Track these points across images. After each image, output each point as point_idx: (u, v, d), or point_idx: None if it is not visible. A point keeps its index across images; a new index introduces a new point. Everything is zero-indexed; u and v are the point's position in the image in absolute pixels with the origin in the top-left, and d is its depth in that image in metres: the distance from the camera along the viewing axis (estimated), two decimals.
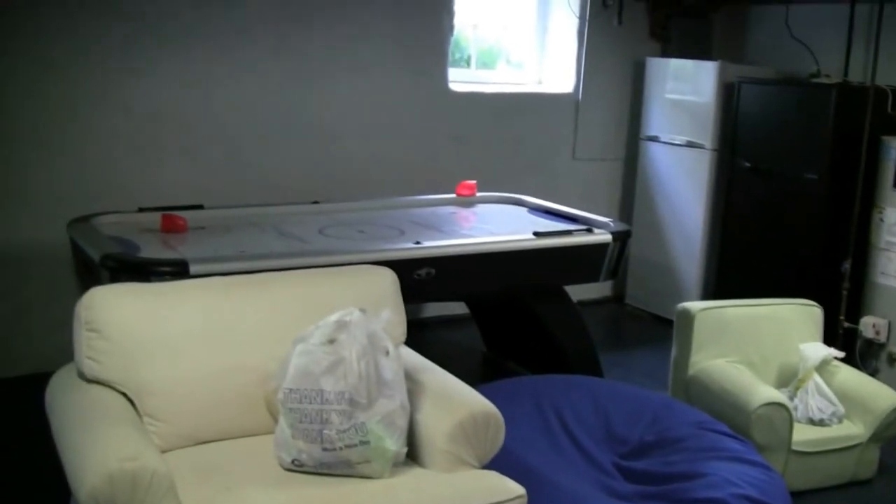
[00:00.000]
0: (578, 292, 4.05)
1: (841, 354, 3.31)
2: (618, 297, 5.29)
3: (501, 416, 2.09)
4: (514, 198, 4.27)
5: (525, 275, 3.39)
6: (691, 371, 3.22)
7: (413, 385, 2.13)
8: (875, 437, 3.12)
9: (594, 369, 3.56)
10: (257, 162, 4.17)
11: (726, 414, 2.89)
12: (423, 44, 4.55)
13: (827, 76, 4.55)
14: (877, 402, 3.12)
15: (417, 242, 3.16)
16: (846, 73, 4.64)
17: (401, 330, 2.36)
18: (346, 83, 4.36)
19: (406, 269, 2.81)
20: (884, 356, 4.12)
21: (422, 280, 3.02)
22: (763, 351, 3.28)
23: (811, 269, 4.37)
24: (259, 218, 3.58)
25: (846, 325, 4.23)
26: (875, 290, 4.19)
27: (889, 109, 4.20)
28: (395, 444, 1.99)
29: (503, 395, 2.46)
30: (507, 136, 4.87)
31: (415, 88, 4.55)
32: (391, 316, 2.12)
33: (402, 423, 2.01)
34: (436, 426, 2.07)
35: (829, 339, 3.65)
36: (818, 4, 4.75)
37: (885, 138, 4.17)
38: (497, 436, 2.09)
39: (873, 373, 4.10)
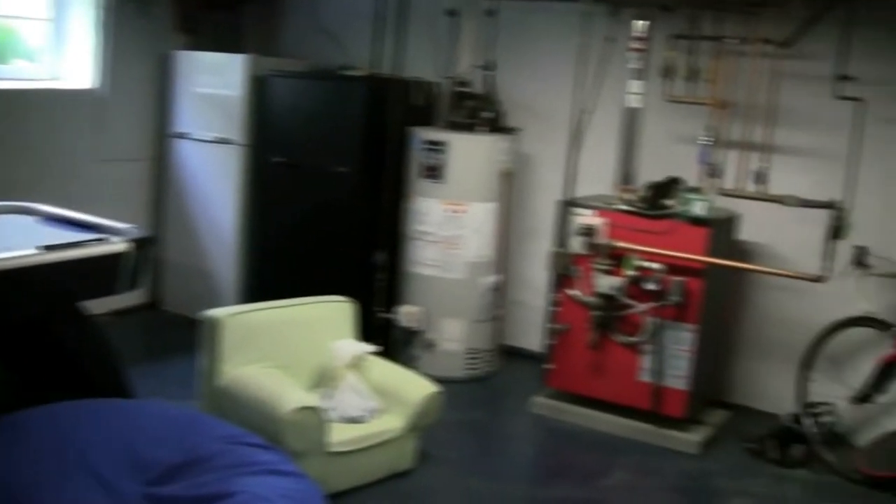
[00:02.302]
0: (111, 302, 3.97)
1: (373, 349, 3.62)
2: (155, 302, 5.30)
3: None
4: (21, 206, 3.96)
5: (30, 294, 3.19)
6: (222, 381, 3.30)
7: None
8: (412, 428, 3.45)
9: (120, 389, 3.48)
10: None
11: (259, 423, 3.00)
12: None
13: (356, 68, 4.93)
14: (411, 392, 3.46)
15: None
16: (375, 65, 5.08)
17: None
18: None
19: None
20: (421, 343, 4.62)
21: None
22: (296, 353, 3.48)
23: (349, 263, 4.71)
24: None
25: (384, 316, 4.66)
26: (409, 279, 4.68)
27: (416, 100, 4.70)
28: None
29: (11, 431, 2.31)
30: (17, 137, 4.54)
31: None
32: None
33: None
34: None
35: (369, 332, 3.97)
36: None
37: (413, 129, 4.65)
38: None
39: (413, 360, 4.59)
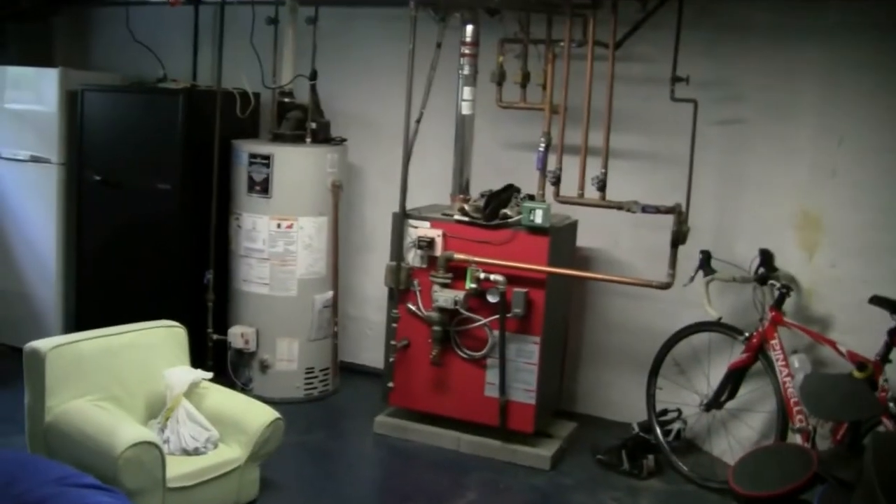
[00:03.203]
0: None
1: (208, 376, 3.55)
2: None
3: None
4: None
5: None
6: (49, 417, 3.18)
7: None
8: (253, 457, 3.43)
9: None
10: None
11: (92, 462, 2.92)
12: None
13: (174, 81, 4.88)
14: (250, 420, 3.44)
15: None
16: (194, 77, 5.04)
17: None
18: None
19: None
20: (256, 365, 4.60)
21: None
22: (127, 384, 3.39)
23: (176, 284, 4.68)
24: None
25: (216, 337, 4.64)
26: (240, 299, 4.65)
27: (239, 112, 4.67)
28: None
29: None
30: None
31: None
32: None
33: None
34: None
35: (202, 356, 3.90)
36: (159, 6, 5.03)
37: (236, 142, 4.64)
38: None
39: (247, 383, 4.57)
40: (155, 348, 3.54)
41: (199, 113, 4.64)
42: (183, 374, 3.50)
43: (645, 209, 3.82)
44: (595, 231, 4.47)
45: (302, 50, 4.74)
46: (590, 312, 4.65)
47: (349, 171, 4.90)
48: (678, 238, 3.81)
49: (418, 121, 4.10)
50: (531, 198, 4.07)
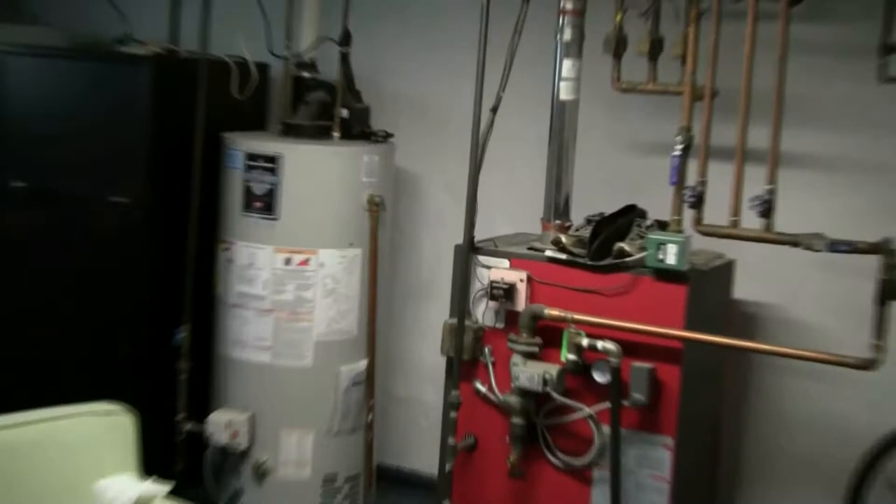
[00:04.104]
0: None
1: (165, 489, 3.39)
2: None
3: None
4: None
5: None
6: None
7: None
8: None
9: None
10: None
11: None
12: None
13: (141, 43, 4.88)
14: None
15: None
16: (172, 40, 5.05)
17: None
18: None
19: None
20: (248, 470, 4.56)
21: None
22: (42, 499, 3.24)
23: (131, 346, 4.67)
24: None
25: (189, 428, 4.62)
26: (228, 370, 4.62)
27: (235, 92, 4.66)
28: None
29: None
30: None
31: None
32: None
33: None
34: None
35: (165, 458, 3.82)
36: None
37: (229, 136, 4.61)
38: None
39: (234, 498, 4.54)
40: (84, 447, 3.38)
41: (175, 91, 4.67)
42: (126, 486, 3.33)
43: (835, 246, 3.67)
44: (760, 277, 4.40)
45: (328, 3, 4.76)
46: (754, 401, 4.56)
47: (397, 181, 4.95)
48: (889, 290, 3.63)
49: (494, 109, 4.04)
50: (661, 226, 3.99)
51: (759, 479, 4.58)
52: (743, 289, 4.38)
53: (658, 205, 4.06)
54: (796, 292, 4.42)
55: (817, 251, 3.69)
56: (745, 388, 4.55)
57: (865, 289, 3.69)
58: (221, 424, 4.54)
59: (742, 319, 4.46)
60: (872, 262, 3.66)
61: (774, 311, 4.47)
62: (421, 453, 5.08)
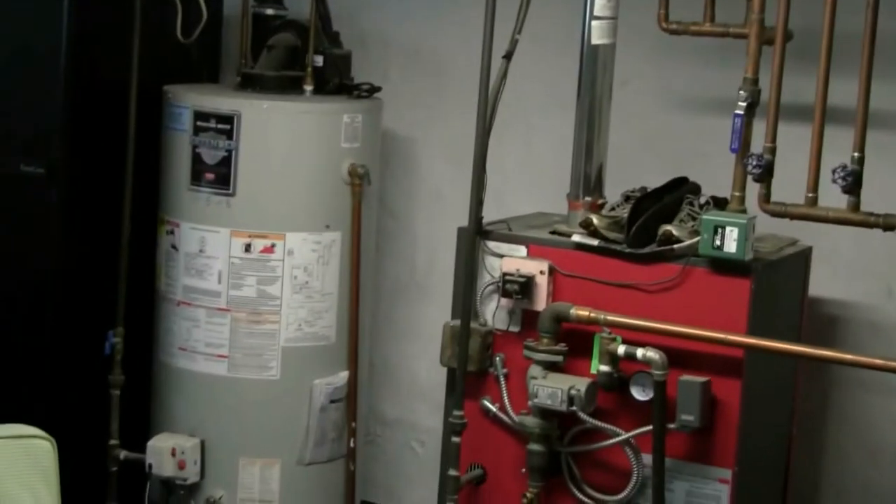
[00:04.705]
0: None
1: None
2: None
3: None
4: None
5: None
6: None
7: None
8: None
9: None
10: None
11: None
12: None
13: None
14: None
15: None
16: None
17: None
18: None
19: None
20: None
21: None
22: None
23: (48, 355, 4.67)
24: None
25: (125, 456, 4.65)
26: (173, 384, 4.64)
27: (179, 33, 4.68)
28: None
29: None
30: None
31: None
32: None
33: None
34: None
35: (95, 492, 3.79)
36: None
37: (172, 90, 4.63)
38: None
39: None
40: None
41: (101, 32, 4.68)
42: None
43: None
44: (845, 269, 4.43)
45: None
46: (835, 423, 4.56)
47: (387, 148, 5.00)
48: None
49: (508, 56, 4.05)
50: (719, 204, 4.00)
51: None
52: (821, 284, 4.39)
53: (715, 178, 4.08)
54: (889, 288, 4.42)
55: None
56: (824, 408, 4.56)
57: None
58: (165, 452, 4.52)
59: (820, 322, 4.47)
60: None
61: (861, 311, 4.47)
62: (414, 488, 5.14)
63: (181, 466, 4.52)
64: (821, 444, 4.57)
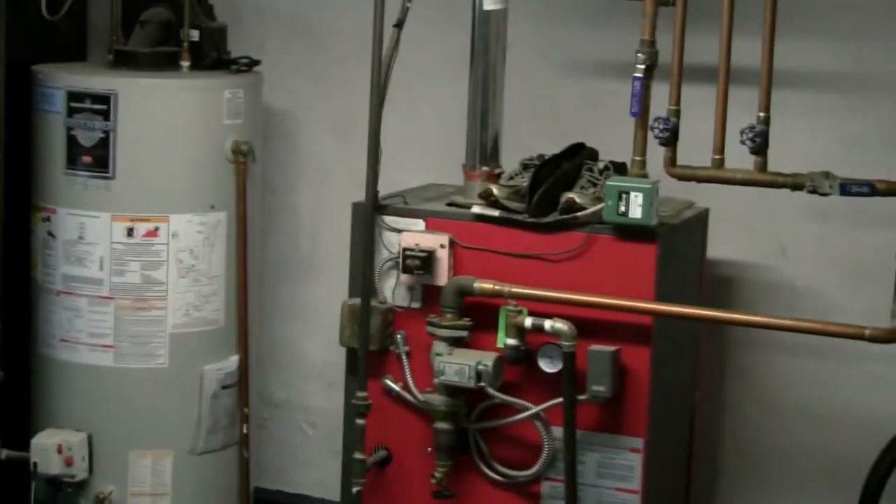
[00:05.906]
0: None
1: None
2: None
3: None
4: None
5: None
6: None
7: None
8: None
9: None
10: None
11: None
12: None
13: None
14: None
15: None
16: None
17: None
18: None
19: None
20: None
21: None
22: None
23: None
24: None
25: (6, 455, 4.56)
26: (54, 377, 4.58)
27: (45, 10, 4.55)
28: None
29: None
30: None
31: None
32: None
33: None
34: None
35: None
36: None
37: (41, 70, 4.57)
38: None
39: None
40: None
41: None
42: None
43: (849, 188, 3.71)
44: (743, 230, 4.47)
45: None
46: (736, 386, 4.61)
47: (269, 123, 5.00)
48: None
49: (399, 24, 4.04)
50: (619, 169, 4.02)
51: (744, 481, 4.64)
52: (719, 246, 4.43)
53: (614, 143, 4.08)
54: (788, 247, 4.46)
55: (825, 195, 3.73)
56: (724, 371, 4.60)
57: (876, 241, 3.84)
58: (51, 449, 4.43)
59: (720, 286, 4.51)
60: (889, 207, 3.72)
61: (760, 273, 4.51)
62: (307, 472, 5.15)
63: (68, 463, 4.46)
64: (721, 403, 4.62)
